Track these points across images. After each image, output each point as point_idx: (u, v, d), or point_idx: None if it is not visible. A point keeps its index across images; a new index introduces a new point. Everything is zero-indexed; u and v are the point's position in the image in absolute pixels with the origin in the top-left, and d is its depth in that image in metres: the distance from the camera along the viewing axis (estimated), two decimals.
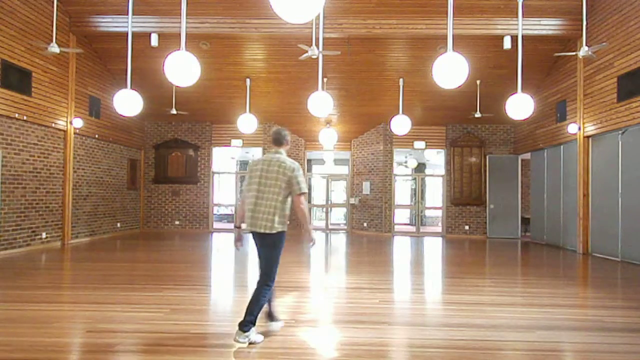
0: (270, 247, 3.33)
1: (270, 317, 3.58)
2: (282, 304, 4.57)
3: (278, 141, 3.49)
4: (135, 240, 10.38)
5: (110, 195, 11.12)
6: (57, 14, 8.06)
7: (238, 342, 3.17)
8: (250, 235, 3.43)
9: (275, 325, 3.57)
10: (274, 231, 3.28)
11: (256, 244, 3.41)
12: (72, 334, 3.52)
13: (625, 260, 7.82)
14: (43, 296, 4.71)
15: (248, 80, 10.70)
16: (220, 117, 12.63)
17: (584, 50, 6.88)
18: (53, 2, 8.05)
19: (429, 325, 3.83)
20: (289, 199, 3.37)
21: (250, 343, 3.22)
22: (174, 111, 10.75)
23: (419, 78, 10.38)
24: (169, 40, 8.96)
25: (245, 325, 3.19)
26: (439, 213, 13.62)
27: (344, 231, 13.82)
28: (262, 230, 3.29)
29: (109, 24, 9.06)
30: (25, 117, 7.92)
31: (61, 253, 8.08)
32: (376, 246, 10.02)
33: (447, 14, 4.62)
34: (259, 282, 3.35)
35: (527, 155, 11.98)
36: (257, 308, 3.26)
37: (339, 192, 16.59)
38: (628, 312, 4.41)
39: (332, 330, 3.67)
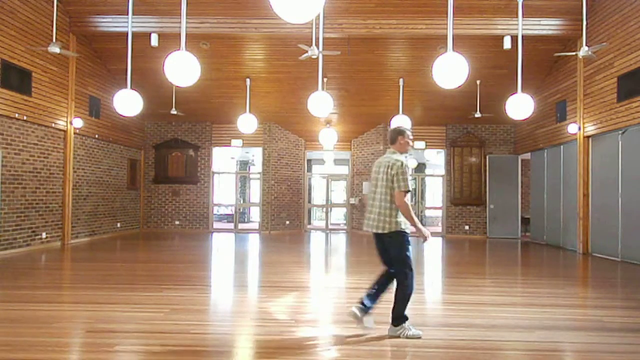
0: (390, 246, 3.38)
1: (364, 310, 3.44)
2: (282, 304, 4.58)
3: (390, 140, 3.53)
4: (135, 240, 10.38)
5: (110, 195, 11.12)
6: (57, 14, 8.04)
7: (392, 336, 3.34)
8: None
9: (367, 322, 3.47)
10: (386, 231, 3.32)
11: (376, 244, 3.50)
12: (72, 334, 3.52)
13: (625, 260, 7.82)
14: (43, 296, 4.71)
15: (248, 80, 10.70)
16: (220, 117, 12.63)
17: (584, 50, 6.87)
18: (53, 2, 8.04)
19: (429, 325, 3.83)
20: None
21: (407, 337, 3.32)
22: (174, 111, 10.76)
23: (419, 78, 10.38)
24: (169, 40, 8.95)
25: (395, 320, 3.35)
26: (439, 213, 13.62)
27: (343, 231, 13.82)
28: (375, 231, 3.38)
29: (109, 24, 9.06)
30: (25, 117, 7.92)
31: (61, 253, 8.08)
32: None
33: (447, 14, 4.62)
34: (396, 279, 3.40)
35: (527, 155, 11.98)
36: (402, 301, 3.32)
37: (339, 192, 16.61)
38: (628, 312, 4.41)
39: (332, 330, 3.67)
